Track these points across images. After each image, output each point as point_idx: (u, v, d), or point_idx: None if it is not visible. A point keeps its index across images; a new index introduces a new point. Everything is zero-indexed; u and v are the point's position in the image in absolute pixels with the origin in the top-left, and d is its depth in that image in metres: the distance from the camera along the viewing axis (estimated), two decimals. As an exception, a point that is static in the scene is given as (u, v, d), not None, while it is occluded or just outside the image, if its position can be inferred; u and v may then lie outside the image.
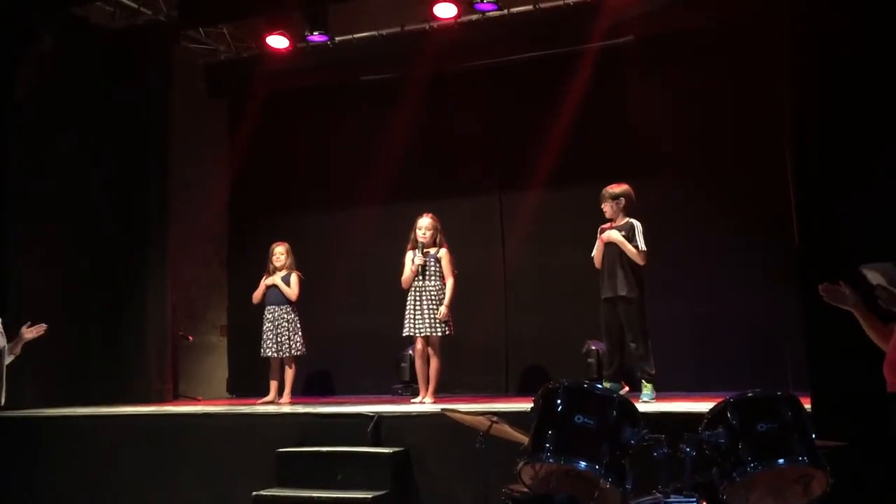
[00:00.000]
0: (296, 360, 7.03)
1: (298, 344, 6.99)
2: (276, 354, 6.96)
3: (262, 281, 7.10)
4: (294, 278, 7.04)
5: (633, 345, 5.83)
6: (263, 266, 7.22)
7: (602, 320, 6.01)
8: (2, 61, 6.83)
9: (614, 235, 5.90)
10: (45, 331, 5.44)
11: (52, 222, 7.17)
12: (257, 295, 7.09)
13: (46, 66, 7.11)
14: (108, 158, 7.67)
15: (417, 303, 6.35)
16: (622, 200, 5.95)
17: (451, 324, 6.37)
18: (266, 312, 7.04)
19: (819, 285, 3.50)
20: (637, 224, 5.90)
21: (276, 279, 7.03)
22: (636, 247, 5.82)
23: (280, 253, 7.09)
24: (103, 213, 7.62)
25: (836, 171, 4.41)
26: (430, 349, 6.34)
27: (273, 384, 7.02)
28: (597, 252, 6.01)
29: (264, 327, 7.02)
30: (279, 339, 6.94)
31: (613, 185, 6.06)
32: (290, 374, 6.99)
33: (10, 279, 6.67)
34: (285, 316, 6.98)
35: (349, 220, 8.41)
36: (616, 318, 5.90)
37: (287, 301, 7.00)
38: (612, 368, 5.92)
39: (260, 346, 7.05)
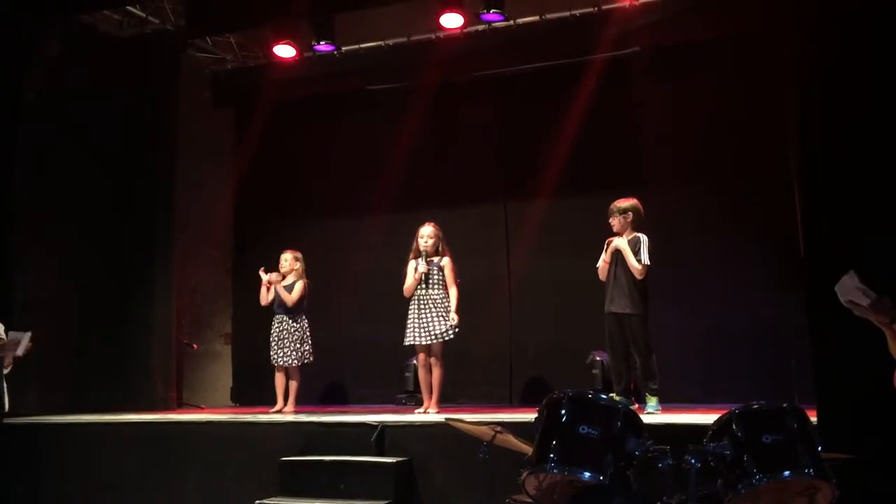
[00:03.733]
0: (300, 369, 6.97)
1: (306, 353, 6.93)
2: (281, 363, 6.92)
3: (264, 282, 7.07)
4: (299, 285, 7.00)
5: (637, 360, 5.80)
6: (269, 273, 7.21)
7: (607, 334, 5.97)
8: (10, 67, 6.86)
9: (621, 244, 5.89)
10: (32, 348, 5.46)
11: (57, 229, 7.20)
12: (262, 295, 7.06)
13: (54, 72, 7.14)
14: (114, 165, 7.70)
15: (420, 312, 6.33)
16: (629, 215, 5.93)
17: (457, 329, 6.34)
18: (273, 321, 7.02)
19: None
20: (644, 238, 5.88)
21: (279, 286, 6.99)
22: (639, 260, 5.81)
23: (284, 259, 7.07)
24: (109, 221, 7.64)
25: (843, 180, 4.40)
26: (431, 358, 6.33)
27: (279, 393, 6.96)
28: (602, 264, 6.00)
29: (271, 335, 6.99)
30: (284, 347, 6.90)
31: (621, 199, 6.03)
32: (293, 383, 6.94)
33: (16, 285, 6.68)
34: (293, 324, 6.95)
35: (354, 228, 8.42)
36: (621, 333, 5.87)
37: (292, 309, 6.97)
38: (622, 385, 5.87)
39: (263, 354, 7.03)
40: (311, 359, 6.99)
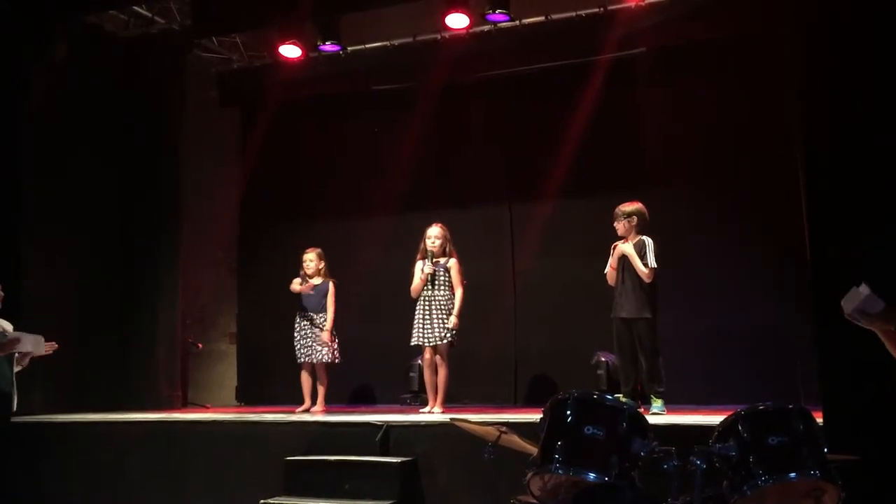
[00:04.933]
0: (327, 367, 6.90)
1: (332, 352, 6.86)
2: (306, 360, 6.85)
3: (295, 285, 7.00)
4: (330, 288, 6.92)
5: (644, 362, 5.79)
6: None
7: (615, 339, 5.96)
8: (17, 68, 6.88)
9: (627, 249, 5.87)
10: (57, 347, 5.45)
11: (64, 229, 7.22)
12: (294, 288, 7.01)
13: (61, 73, 7.16)
14: (120, 165, 7.72)
15: (426, 312, 6.34)
16: (634, 219, 5.92)
17: (455, 333, 6.34)
18: (298, 317, 6.95)
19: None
20: (649, 241, 5.86)
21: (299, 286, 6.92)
22: (645, 264, 5.80)
23: (309, 260, 6.99)
24: (115, 221, 7.66)
25: (848, 182, 4.40)
26: (437, 358, 6.33)
27: (306, 392, 6.88)
28: (609, 269, 5.98)
29: (296, 332, 6.93)
30: (311, 345, 6.84)
31: (626, 203, 6.00)
32: (321, 384, 6.86)
33: (22, 285, 6.69)
34: (320, 322, 6.86)
35: (359, 228, 8.42)
36: (629, 336, 5.86)
37: (323, 308, 6.90)
38: (629, 387, 5.87)
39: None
40: (339, 359, 6.89)
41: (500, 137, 8.17)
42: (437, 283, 6.36)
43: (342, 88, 8.46)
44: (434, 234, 6.41)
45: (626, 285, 5.85)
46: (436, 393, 6.33)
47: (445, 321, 6.29)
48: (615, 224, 5.99)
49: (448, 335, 6.29)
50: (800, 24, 4.68)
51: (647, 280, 5.80)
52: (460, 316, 6.32)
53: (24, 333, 5.34)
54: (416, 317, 6.37)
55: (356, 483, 5.15)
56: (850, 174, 4.40)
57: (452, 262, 6.42)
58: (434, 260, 6.38)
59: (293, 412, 6.71)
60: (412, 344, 6.42)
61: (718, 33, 7.08)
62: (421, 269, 6.40)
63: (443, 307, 6.33)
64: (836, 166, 4.44)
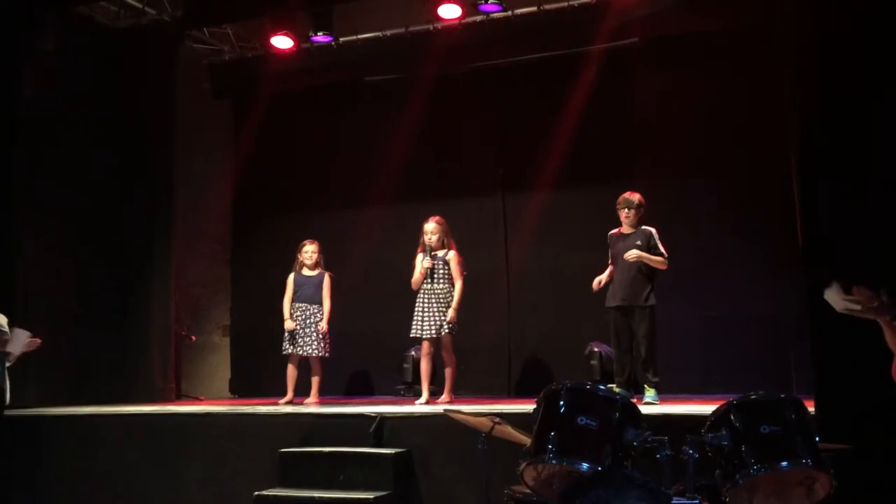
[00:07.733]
0: (321, 360, 6.94)
1: (325, 345, 6.91)
2: (302, 353, 6.87)
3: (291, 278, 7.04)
4: (326, 281, 6.96)
5: (643, 351, 5.78)
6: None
7: (612, 328, 5.93)
8: (8, 60, 6.84)
9: (642, 255, 5.78)
10: (39, 345, 5.43)
11: (56, 222, 7.19)
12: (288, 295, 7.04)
13: (52, 65, 7.12)
14: (112, 158, 7.68)
15: (426, 305, 6.37)
16: (642, 210, 5.92)
17: (453, 326, 6.37)
18: (294, 310, 6.96)
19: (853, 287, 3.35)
20: (654, 231, 5.87)
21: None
22: (660, 254, 5.81)
23: (313, 252, 7.01)
24: (108, 213, 7.63)
25: (842, 173, 4.40)
26: (444, 350, 6.37)
27: (290, 384, 6.90)
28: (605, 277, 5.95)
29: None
30: (305, 337, 6.86)
31: (631, 192, 5.96)
32: (316, 376, 6.90)
33: (16, 278, 6.67)
34: (316, 315, 6.90)
35: (352, 220, 8.41)
36: (628, 326, 5.85)
37: (318, 300, 6.94)
38: (624, 377, 5.87)
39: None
40: (328, 353, 6.94)
41: (493, 128, 8.16)
42: (436, 276, 6.38)
43: (334, 79, 8.44)
44: (430, 230, 6.43)
45: (630, 275, 5.83)
46: (430, 384, 6.36)
47: (444, 314, 6.32)
48: (622, 212, 5.92)
49: (446, 327, 6.30)
50: (797, 18, 4.67)
51: (664, 268, 5.80)
52: (459, 309, 6.33)
53: (19, 330, 5.31)
54: (416, 309, 6.41)
55: (350, 474, 5.16)
56: (845, 166, 4.40)
57: (451, 255, 6.44)
58: (432, 254, 6.39)
59: (277, 403, 6.71)
60: (411, 336, 6.44)
61: (713, 24, 7.07)
62: (421, 262, 6.41)
63: (441, 300, 6.36)
64: (831, 158, 4.44)
